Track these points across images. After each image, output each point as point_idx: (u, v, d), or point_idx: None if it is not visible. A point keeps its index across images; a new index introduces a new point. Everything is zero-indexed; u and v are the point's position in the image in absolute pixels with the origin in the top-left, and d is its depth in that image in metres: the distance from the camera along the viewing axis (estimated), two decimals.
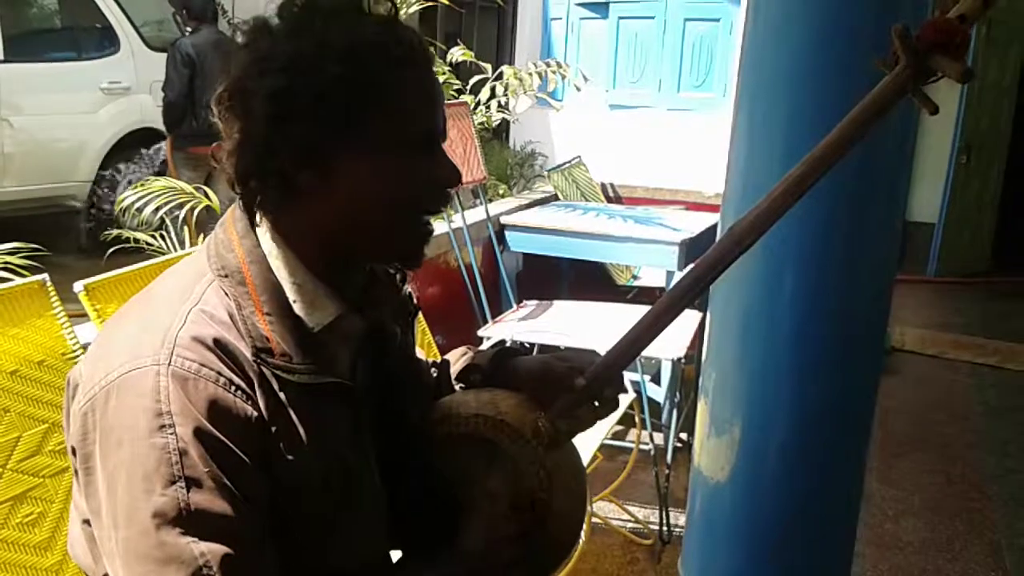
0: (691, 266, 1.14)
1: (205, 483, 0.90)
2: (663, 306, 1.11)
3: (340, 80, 0.95)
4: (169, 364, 0.92)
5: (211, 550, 0.89)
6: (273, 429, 0.96)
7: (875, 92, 1.05)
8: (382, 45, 0.97)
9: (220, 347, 0.95)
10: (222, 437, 0.92)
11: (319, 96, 0.95)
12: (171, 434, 0.90)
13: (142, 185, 3.27)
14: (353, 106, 0.96)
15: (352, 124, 0.97)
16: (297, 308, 1.00)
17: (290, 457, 0.96)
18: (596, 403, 1.13)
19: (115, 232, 3.25)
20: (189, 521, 0.89)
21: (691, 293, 1.11)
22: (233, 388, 0.94)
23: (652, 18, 5.76)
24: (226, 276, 1.00)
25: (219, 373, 0.93)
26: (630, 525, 3.10)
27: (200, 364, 0.93)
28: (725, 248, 1.09)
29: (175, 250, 2.99)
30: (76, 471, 0.98)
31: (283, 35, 0.97)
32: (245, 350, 0.96)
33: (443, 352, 1.75)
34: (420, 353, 1.34)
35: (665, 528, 3.04)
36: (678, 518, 3.02)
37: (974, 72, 1.04)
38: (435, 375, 1.33)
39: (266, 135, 0.96)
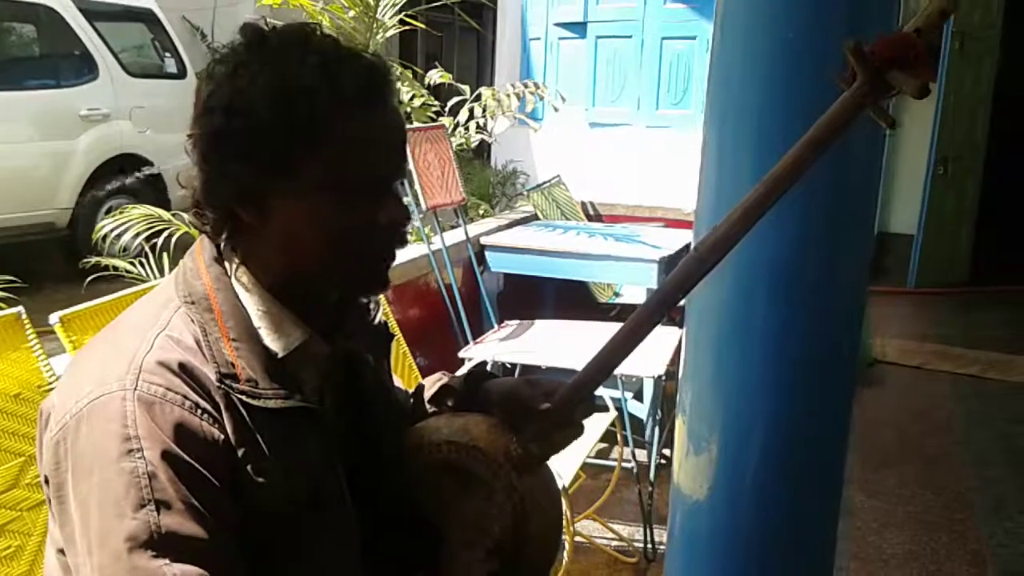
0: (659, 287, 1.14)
1: (175, 505, 0.90)
2: (629, 329, 1.10)
3: (270, 123, 0.95)
4: (135, 389, 0.93)
5: (184, 572, 0.89)
6: (240, 452, 0.97)
7: (832, 110, 1.03)
8: (315, 88, 0.95)
9: (185, 371, 0.96)
10: (190, 460, 0.92)
11: (251, 139, 0.96)
12: (139, 458, 0.90)
13: (121, 212, 3.27)
14: (285, 149, 0.96)
15: (284, 167, 0.97)
16: (263, 334, 1.01)
17: (259, 480, 0.97)
18: (568, 426, 1.13)
19: (94, 259, 3.25)
20: (161, 544, 0.89)
21: (656, 315, 1.11)
22: (199, 411, 0.95)
23: (630, 37, 5.80)
24: (193, 303, 1.01)
25: (185, 397, 0.94)
26: (615, 543, 3.10)
27: (166, 388, 0.94)
28: (689, 269, 1.09)
29: (154, 278, 2.98)
30: (49, 500, 0.98)
31: (225, 73, 0.98)
32: (211, 375, 0.97)
33: (424, 373, 1.74)
34: (398, 381, 1.35)
35: (650, 546, 3.04)
36: (663, 535, 3.01)
37: (930, 89, 1.03)
38: (411, 402, 1.33)
39: (208, 170, 0.99)
